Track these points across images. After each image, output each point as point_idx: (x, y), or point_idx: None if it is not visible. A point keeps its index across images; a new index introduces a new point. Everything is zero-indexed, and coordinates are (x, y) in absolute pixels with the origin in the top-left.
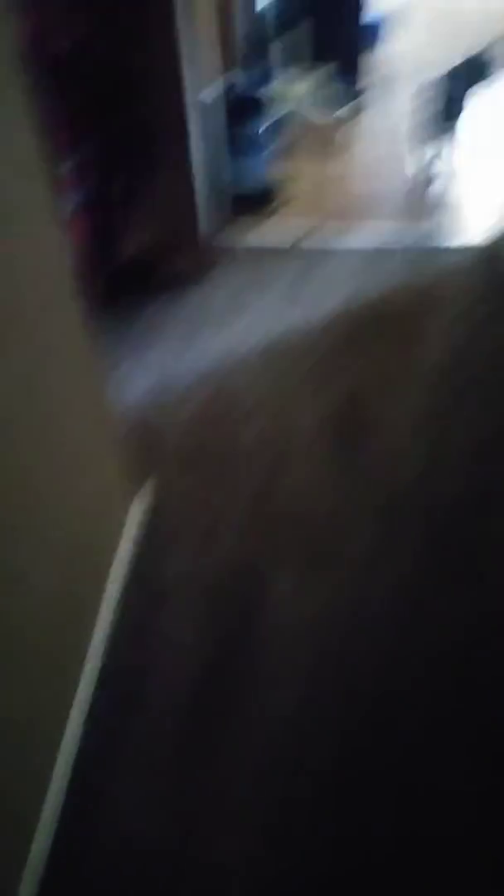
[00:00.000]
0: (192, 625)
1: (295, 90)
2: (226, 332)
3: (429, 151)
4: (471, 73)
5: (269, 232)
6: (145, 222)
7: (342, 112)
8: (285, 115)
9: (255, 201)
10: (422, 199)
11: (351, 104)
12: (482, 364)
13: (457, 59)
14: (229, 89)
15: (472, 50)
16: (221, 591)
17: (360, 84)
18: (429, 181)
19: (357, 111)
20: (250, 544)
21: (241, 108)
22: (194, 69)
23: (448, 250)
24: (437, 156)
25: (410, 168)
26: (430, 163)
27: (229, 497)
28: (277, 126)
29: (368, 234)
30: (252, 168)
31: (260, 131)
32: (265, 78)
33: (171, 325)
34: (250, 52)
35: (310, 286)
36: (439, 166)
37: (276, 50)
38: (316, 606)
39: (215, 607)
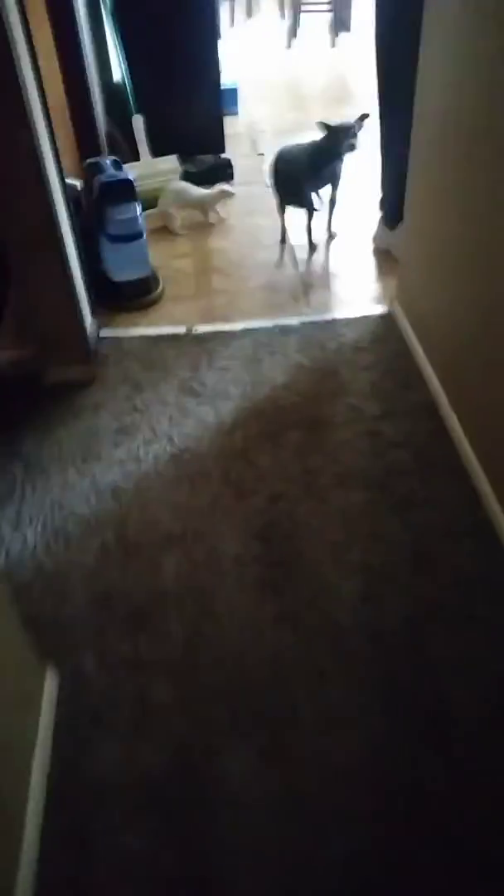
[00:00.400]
0: (135, 825)
1: (161, 169)
2: (127, 440)
3: (297, 220)
4: (329, 147)
5: (159, 319)
6: (18, 332)
7: (214, 187)
8: (157, 196)
9: (141, 288)
10: (307, 268)
11: (221, 179)
12: (402, 444)
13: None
14: (97, 175)
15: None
16: (163, 779)
17: (225, 155)
18: (309, 250)
19: (226, 185)
20: (188, 716)
21: (113, 193)
22: (53, 163)
23: (345, 321)
24: (309, 225)
25: (286, 239)
26: (307, 231)
27: (155, 656)
28: (150, 208)
29: (262, 311)
30: (132, 255)
31: (135, 215)
32: (133, 159)
33: (63, 443)
34: (113, 134)
35: (210, 375)
36: (313, 235)
37: (138, 129)
38: (276, 788)
39: (159, 801)
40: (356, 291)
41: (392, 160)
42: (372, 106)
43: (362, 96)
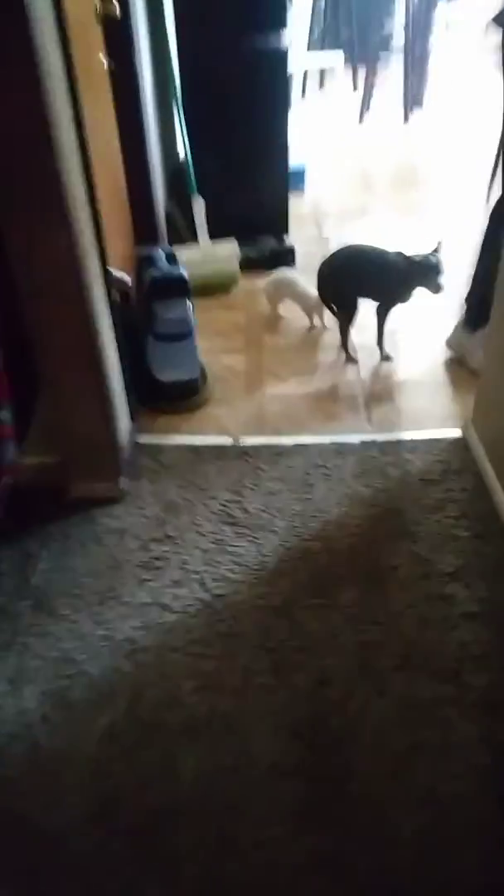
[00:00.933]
0: None
1: (219, 255)
2: (153, 578)
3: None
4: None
5: (204, 425)
6: (45, 439)
7: (273, 277)
8: (211, 283)
9: (186, 390)
10: (370, 377)
11: (281, 266)
12: (477, 615)
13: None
14: (149, 268)
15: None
16: None
17: (288, 242)
18: (381, 359)
19: (288, 274)
20: None
21: (164, 290)
22: (96, 263)
23: (411, 444)
24: (380, 339)
25: (349, 351)
26: (379, 343)
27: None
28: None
29: (318, 423)
30: (180, 355)
31: (186, 314)
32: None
33: (81, 577)
34: (172, 215)
35: (254, 500)
36: (382, 348)
37: (198, 212)
38: None
39: None
40: (425, 408)
41: (491, 247)
42: (442, 191)
43: (432, 180)
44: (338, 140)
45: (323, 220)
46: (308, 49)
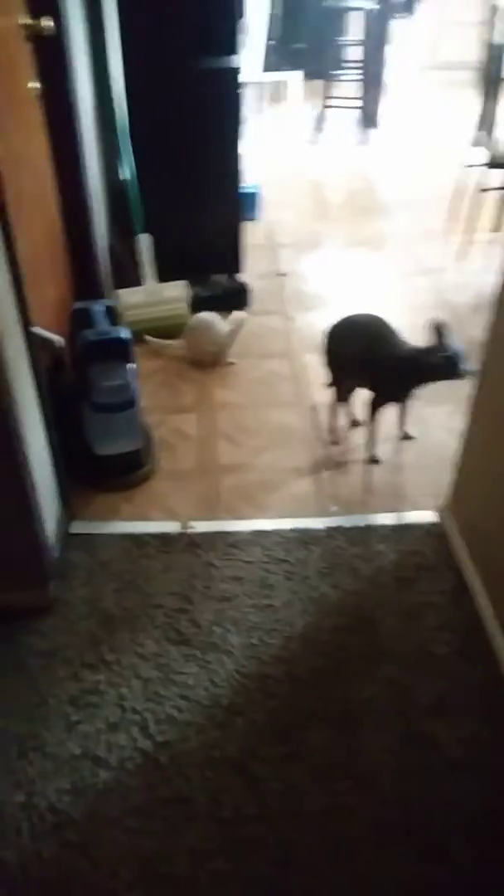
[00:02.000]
0: None
1: (167, 297)
2: (85, 720)
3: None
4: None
5: (148, 505)
6: None
7: (227, 322)
8: (160, 327)
9: (128, 464)
10: (338, 449)
11: (235, 306)
12: (465, 765)
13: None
14: (83, 330)
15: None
16: None
17: (242, 279)
18: (347, 429)
19: (241, 318)
20: None
21: (101, 355)
22: (15, 327)
23: (383, 531)
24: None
25: (323, 414)
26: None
27: None
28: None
29: (278, 502)
30: (121, 426)
31: (127, 381)
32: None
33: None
34: (116, 251)
35: (205, 609)
36: (363, 420)
37: (144, 250)
38: None
39: None
40: (398, 488)
41: None
42: (403, 219)
43: (392, 206)
44: (292, 160)
45: (278, 253)
46: (263, 67)
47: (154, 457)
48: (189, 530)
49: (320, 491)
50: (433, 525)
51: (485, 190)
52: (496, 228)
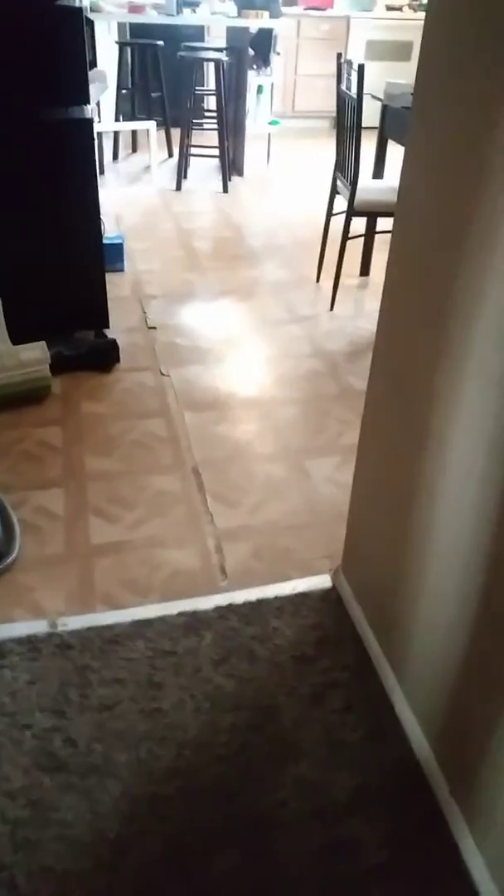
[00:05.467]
0: None
1: (24, 360)
2: None
3: None
4: None
5: (11, 602)
6: None
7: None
8: (20, 392)
9: None
10: (226, 515)
11: (103, 364)
12: (392, 876)
13: None
14: None
15: None
16: None
17: (110, 335)
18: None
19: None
20: None
21: None
22: None
23: (277, 604)
24: None
25: None
26: None
27: None
28: (11, 406)
29: (161, 583)
30: None
31: None
32: None
33: None
34: None
35: (82, 722)
36: None
37: None
38: None
39: None
40: (290, 552)
41: None
42: (273, 266)
43: (260, 253)
44: (157, 210)
45: (148, 305)
46: (117, 115)
47: (15, 544)
48: (60, 629)
49: (207, 565)
50: (329, 591)
51: (347, 238)
52: (363, 272)
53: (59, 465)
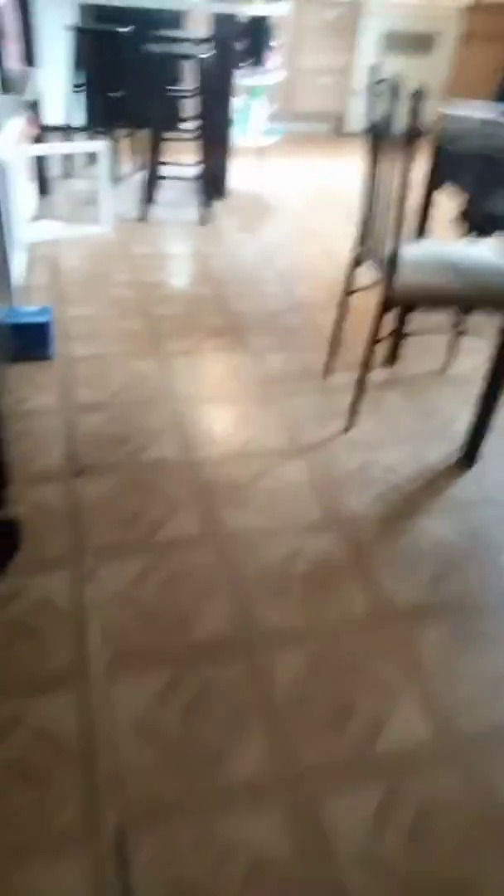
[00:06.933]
0: None
1: None
2: None
3: None
4: None
5: None
6: None
7: None
8: None
9: None
10: None
11: None
12: None
13: None
14: None
15: None
16: None
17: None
18: None
19: None
20: None
21: None
22: None
23: None
24: None
25: None
26: None
27: None
28: None
29: None
30: None
31: None
32: None
33: None
34: None
35: None
36: None
37: None
38: None
39: None
40: None
41: None
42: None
43: (250, 325)
44: (110, 253)
45: (76, 431)
46: (67, 121)
47: None
48: None
49: None
50: None
51: (376, 341)
52: (390, 359)
53: None
